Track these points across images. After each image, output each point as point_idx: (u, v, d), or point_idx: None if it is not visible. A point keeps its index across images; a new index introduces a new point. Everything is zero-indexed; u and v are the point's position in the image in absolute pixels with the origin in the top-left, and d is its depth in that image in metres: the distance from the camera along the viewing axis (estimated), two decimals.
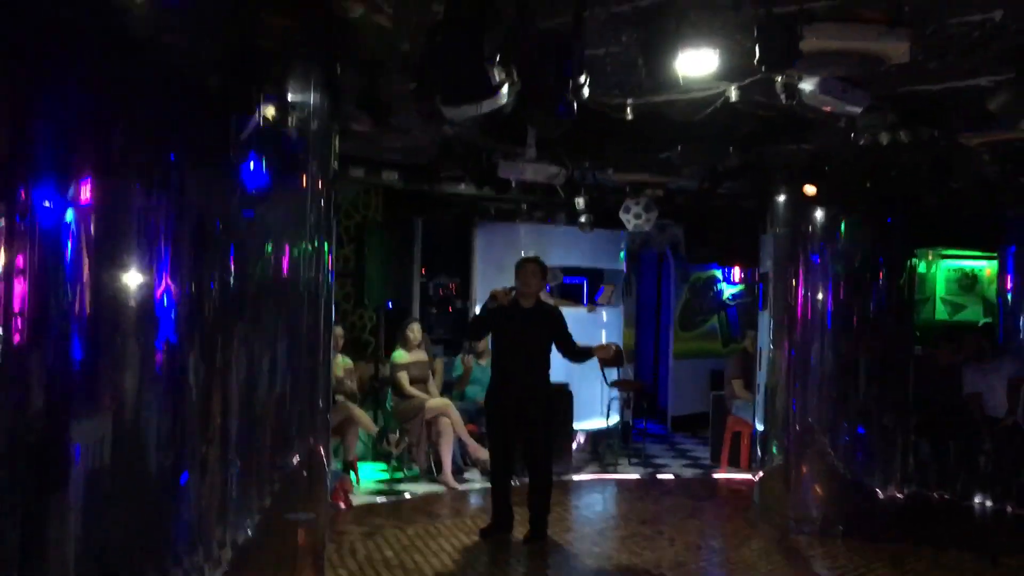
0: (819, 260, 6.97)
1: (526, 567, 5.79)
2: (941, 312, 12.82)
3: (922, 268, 12.48)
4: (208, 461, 3.00)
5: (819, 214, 6.96)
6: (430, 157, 6.70)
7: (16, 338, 2.71)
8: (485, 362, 8.52)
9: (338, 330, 7.84)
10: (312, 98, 3.42)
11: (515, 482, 6.65)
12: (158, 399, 2.89)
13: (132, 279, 2.84)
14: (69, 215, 2.78)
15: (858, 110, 3.96)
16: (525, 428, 6.27)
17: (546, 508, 6.44)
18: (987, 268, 12.32)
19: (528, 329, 6.28)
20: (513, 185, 6.70)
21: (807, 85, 3.74)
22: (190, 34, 3.02)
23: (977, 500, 7.71)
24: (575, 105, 3.37)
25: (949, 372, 8.05)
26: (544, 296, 9.32)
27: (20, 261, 2.72)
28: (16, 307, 2.71)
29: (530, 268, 6.40)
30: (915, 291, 8.01)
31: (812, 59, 3.29)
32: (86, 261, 2.79)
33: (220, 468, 3.04)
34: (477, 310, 9.08)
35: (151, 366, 2.88)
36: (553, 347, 6.36)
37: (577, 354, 6.48)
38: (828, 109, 3.87)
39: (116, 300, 2.82)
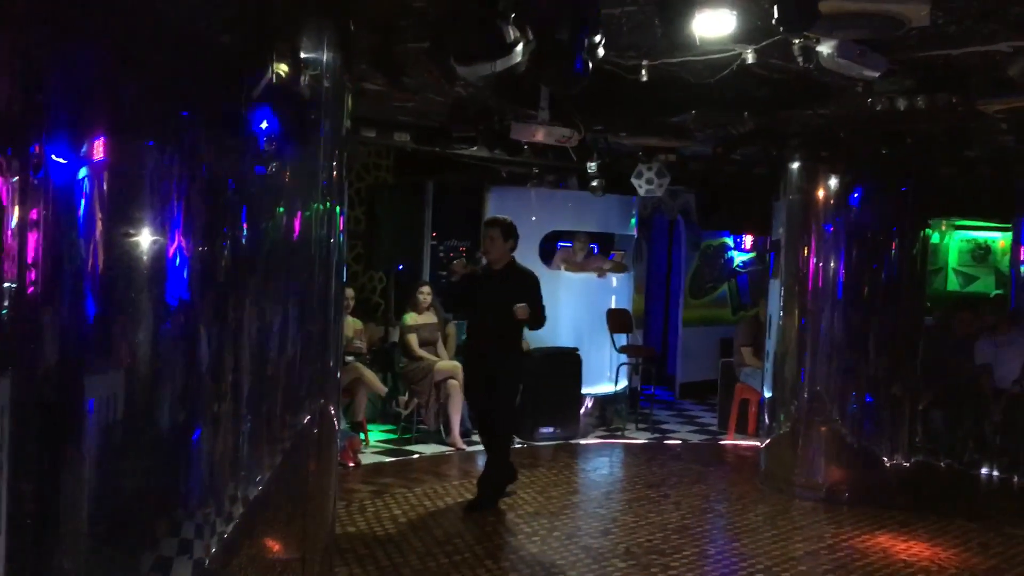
0: (832, 228, 6.93)
1: (531, 527, 5.84)
2: (953, 283, 12.78)
3: (935, 238, 12.41)
4: (220, 418, 3.02)
5: (833, 182, 6.92)
6: (442, 119, 6.66)
7: (30, 290, 2.73)
8: None
9: (348, 291, 7.86)
10: (325, 56, 3.39)
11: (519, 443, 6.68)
12: (170, 356, 2.90)
13: (145, 237, 2.84)
14: (82, 172, 2.78)
15: (876, 74, 3.91)
16: (493, 392, 6.16)
17: (492, 480, 6.28)
18: (1001, 239, 12.25)
19: (496, 294, 6.09)
20: (525, 148, 6.64)
21: (825, 48, 3.69)
22: None
23: (984, 470, 7.74)
24: (590, 65, 3.33)
25: (964, 342, 8.03)
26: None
27: (34, 214, 2.73)
28: (30, 258, 2.72)
29: (488, 233, 6.22)
30: (928, 261, 7.98)
31: (831, 21, 3.25)
32: (99, 218, 2.80)
33: (232, 425, 3.06)
34: None
35: (164, 323, 2.89)
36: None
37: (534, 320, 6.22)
38: (845, 73, 3.82)
39: (129, 257, 2.83)
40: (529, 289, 6.19)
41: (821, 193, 6.96)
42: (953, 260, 12.87)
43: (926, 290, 7.92)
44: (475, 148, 7.22)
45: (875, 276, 6.90)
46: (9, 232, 2.74)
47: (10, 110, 2.81)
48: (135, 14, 2.88)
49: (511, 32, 3.13)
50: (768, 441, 7.36)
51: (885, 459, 6.96)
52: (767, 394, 7.45)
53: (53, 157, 2.75)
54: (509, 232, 6.24)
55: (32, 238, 2.74)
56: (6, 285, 2.75)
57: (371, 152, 9.02)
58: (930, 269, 10.66)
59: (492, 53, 3.17)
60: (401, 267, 8.63)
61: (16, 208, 2.73)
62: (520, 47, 3.19)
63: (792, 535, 6.01)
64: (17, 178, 2.73)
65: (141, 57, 2.89)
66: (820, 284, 6.96)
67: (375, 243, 8.10)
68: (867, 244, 6.88)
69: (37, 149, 2.75)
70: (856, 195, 6.87)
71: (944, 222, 12.42)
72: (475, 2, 3.07)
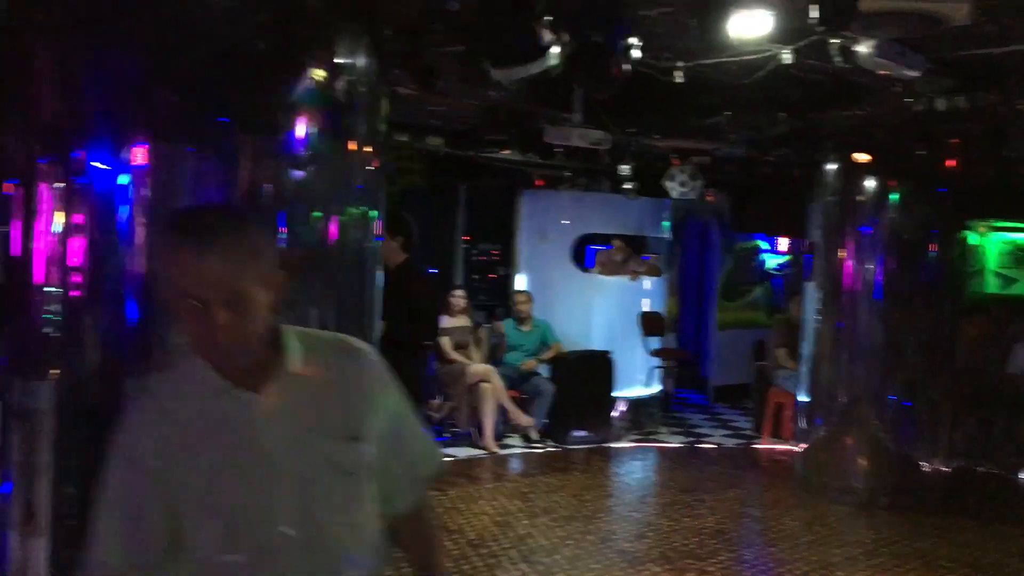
0: (869, 230, 6.85)
1: (565, 531, 5.83)
2: (992, 285, 12.55)
3: (973, 240, 12.22)
4: None
5: (870, 183, 6.84)
6: (475, 123, 6.68)
7: (73, 293, 2.77)
8: (527, 328, 8.54)
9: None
10: (360, 61, 3.41)
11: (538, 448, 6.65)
12: None
13: None
14: (123, 178, 2.82)
15: (916, 74, 3.87)
16: None
17: None
18: None
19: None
20: (558, 151, 6.64)
21: (863, 48, 3.65)
22: None
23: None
24: (625, 67, 3.32)
25: (981, 344, 7.94)
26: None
27: (77, 219, 2.77)
28: (73, 262, 2.77)
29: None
30: (967, 263, 7.87)
31: (870, 19, 3.21)
32: (140, 223, 2.83)
33: None
34: (519, 278, 9.09)
35: None
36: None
37: None
38: (884, 73, 3.78)
39: None
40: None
41: (858, 195, 6.88)
42: (992, 262, 12.66)
43: (965, 292, 7.80)
44: (507, 151, 7.23)
45: (913, 278, 6.81)
46: (53, 237, 2.79)
47: (52, 118, 2.86)
48: (172, 21, 2.91)
49: (546, 35, 3.12)
50: (804, 445, 7.29)
51: (924, 463, 6.86)
52: (803, 398, 7.38)
53: (94, 163, 2.80)
54: (395, 232, 5.37)
55: (76, 243, 2.78)
56: (50, 289, 2.80)
57: (404, 156, 9.05)
58: (969, 271, 10.51)
59: (527, 56, 3.17)
60: (434, 271, 8.65)
61: (60, 214, 2.78)
62: (555, 50, 3.18)
63: (829, 540, 5.94)
64: (61, 184, 2.78)
65: (179, 64, 2.93)
66: (857, 287, 6.88)
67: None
68: (905, 246, 6.79)
69: (79, 156, 2.79)
70: (894, 197, 6.79)
71: (983, 224, 12.22)
72: (510, 5, 3.07)
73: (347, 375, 1.68)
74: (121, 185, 2.81)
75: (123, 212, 2.81)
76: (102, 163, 2.80)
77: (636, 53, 3.32)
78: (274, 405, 1.59)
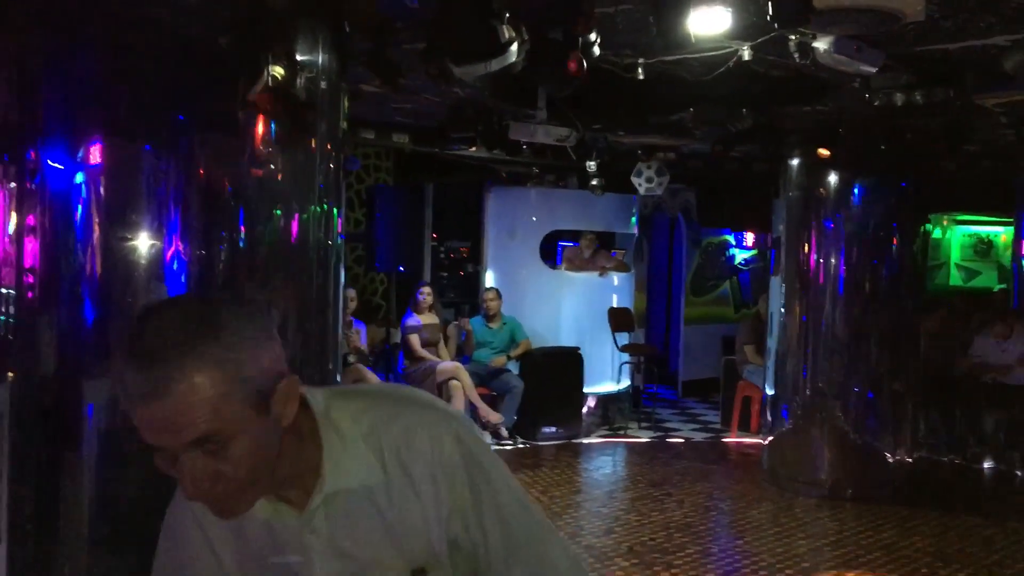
0: (832, 224, 6.92)
1: None
2: (956, 278, 12.76)
3: (937, 233, 12.39)
4: None
5: (833, 178, 6.91)
6: (440, 120, 6.67)
7: (28, 295, 2.74)
8: (495, 325, 8.55)
9: (350, 292, 7.86)
10: (320, 58, 3.39)
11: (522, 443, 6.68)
12: None
13: (142, 241, 2.85)
14: (79, 177, 2.79)
15: (872, 70, 3.91)
16: None
17: None
18: (1003, 234, 12.23)
19: None
20: (524, 147, 6.64)
21: (821, 44, 3.69)
22: None
23: (987, 465, 7.73)
24: (584, 64, 3.33)
25: (943, 337, 8.08)
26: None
27: (31, 220, 2.73)
28: (27, 263, 2.73)
29: None
30: (928, 257, 7.97)
31: (826, 16, 3.24)
32: (96, 223, 2.80)
33: None
34: (488, 275, 9.10)
35: None
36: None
37: None
38: (842, 69, 3.82)
39: (126, 262, 2.84)
40: None
41: (821, 189, 6.95)
42: (955, 255, 12.86)
43: (928, 285, 7.92)
44: (474, 148, 7.22)
45: (876, 272, 6.89)
46: (7, 238, 2.75)
47: (5, 116, 2.82)
48: (129, 19, 2.88)
49: (505, 32, 3.13)
50: (771, 438, 7.36)
51: (888, 455, 6.95)
52: (769, 391, 7.45)
53: (49, 163, 2.76)
54: None
55: (29, 244, 2.74)
56: (4, 291, 2.76)
57: (371, 154, 9.02)
58: (932, 264, 10.66)
59: (486, 53, 3.17)
60: (402, 268, 8.62)
61: (13, 214, 2.74)
62: (515, 47, 3.19)
63: (795, 532, 6.00)
64: (14, 184, 2.74)
65: (136, 61, 2.89)
66: (821, 281, 6.96)
67: (375, 245, 8.09)
68: (868, 240, 6.87)
69: (33, 155, 2.76)
70: (856, 191, 6.87)
71: (945, 217, 12.40)
72: (469, 2, 3.07)
73: (410, 483, 1.27)
74: (76, 184, 2.78)
75: (79, 212, 2.78)
76: (57, 162, 2.76)
77: (596, 50, 3.32)
78: (316, 533, 1.27)
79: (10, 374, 2.78)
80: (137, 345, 1.10)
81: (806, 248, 7.01)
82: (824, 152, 6.72)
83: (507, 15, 3.12)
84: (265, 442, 1.17)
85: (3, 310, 2.78)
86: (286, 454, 1.21)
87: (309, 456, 1.25)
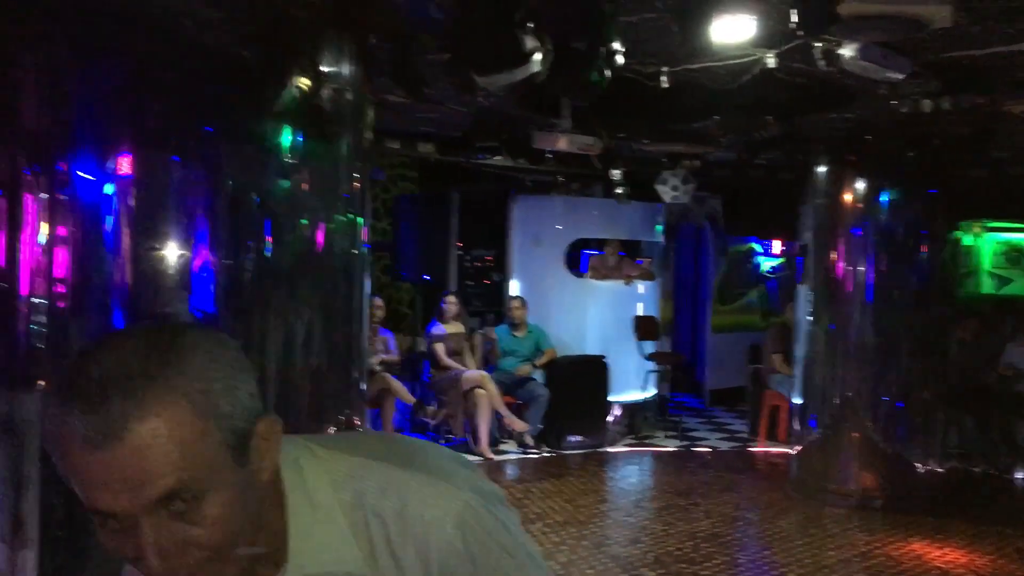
0: (860, 232, 6.86)
1: (560, 536, 5.83)
2: (987, 286, 12.57)
3: (967, 240, 12.24)
4: None
5: (860, 185, 6.85)
6: (465, 129, 6.69)
7: (59, 304, 2.78)
8: (521, 334, 8.55)
9: (377, 300, 7.90)
10: (345, 69, 3.43)
11: (537, 453, 6.66)
12: None
13: (170, 250, 2.89)
14: (109, 188, 2.83)
15: (899, 77, 3.88)
16: None
17: None
18: None
19: None
20: (548, 156, 6.66)
21: (847, 51, 3.67)
22: (224, 6, 3.04)
23: (1020, 475, 7.61)
24: (607, 74, 3.34)
25: (974, 346, 7.97)
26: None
27: (62, 230, 2.78)
28: (58, 273, 2.77)
29: None
30: (959, 264, 7.88)
31: (851, 23, 3.23)
32: (126, 233, 2.84)
33: None
34: (513, 283, 9.11)
35: None
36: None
37: None
38: (869, 76, 3.80)
39: (155, 271, 2.87)
40: None
41: (848, 197, 6.90)
42: (987, 263, 12.68)
43: (959, 293, 7.82)
44: (499, 157, 7.25)
45: (905, 280, 6.82)
46: (38, 248, 2.80)
47: (37, 128, 2.86)
48: (158, 32, 2.93)
49: (529, 41, 3.14)
50: (799, 448, 7.29)
51: (918, 464, 6.87)
52: (797, 400, 7.38)
53: (79, 173, 2.80)
54: None
55: (60, 254, 2.79)
56: (35, 300, 2.80)
57: (396, 163, 9.07)
58: (963, 272, 10.52)
59: (510, 63, 3.19)
60: (427, 277, 8.66)
61: (44, 224, 2.78)
62: (538, 56, 3.20)
63: (824, 543, 5.94)
64: (45, 195, 2.78)
65: (164, 74, 2.94)
66: (849, 289, 6.89)
67: (400, 254, 8.14)
68: (896, 248, 6.80)
69: (64, 166, 2.80)
70: (884, 198, 6.81)
71: (976, 224, 12.24)
72: (492, 12, 3.09)
73: (400, 574, 1.02)
74: (106, 195, 2.82)
75: (109, 222, 2.82)
76: (87, 173, 2.81)
77: (620, 59, 3.33)
78: None
79: (40, 382, 2.82)
80: (81, 380, 0.86)
81: (834, 256, 6.96)
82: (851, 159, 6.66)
83: (530, 25, 3.13)
84: (242, 499, 0.92)
85: (34, 319, 2.82)
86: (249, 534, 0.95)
87: (271, 525, 0.99)
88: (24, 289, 2.80)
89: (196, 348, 0.91)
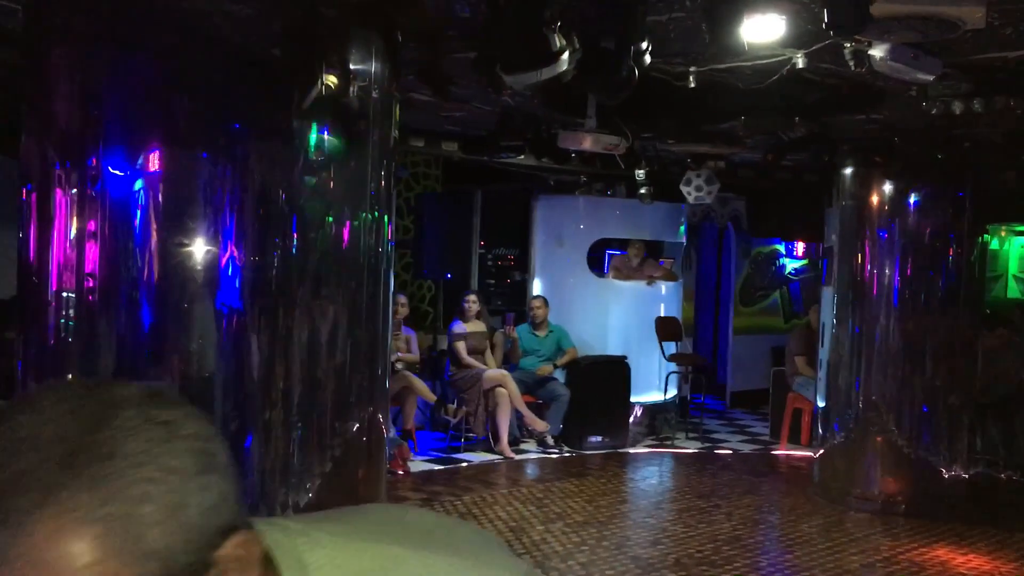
0: (886, 235, 6.80)
1: (580, 536, 5.81)
2: (1013, 290, 12.45)
3: (994, 244, 12.11)
4: (271, 425, 3.07)
5: (887, 187, 6.79)
6: (489, 128, 6.69)
7: (88, 298, 2.80)
8: (542, 333, 8.54)
9: (401, 298, 7.93)
10: (373, 67, 3.43)
11: (554, 451, 6.65)
12: (223, 363, 2.96)
13: (198, 246, 2.90)
14: (138, 184, 2.85)
15: (930, 78, 3.83)
16: None
17: None
18: None
19: None
20: (572, 156, 6.64)
21: (877, 52, 3.63)
22: (254, 4, 3.06)
23: None
24: (636, 73, 3.32)
25: (1003, 352, 7.88)
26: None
27: (91, 225, 2.80)
28: (88, 268, 2.80)
29: None
30: (986, 268, 7.79)
31: (883, 24, 3.19)
32: (154, 228, 2.86)
33: (282, 432, 3.10)
34: (535, 282, 9.10)
35: (216, 331, 2.95)
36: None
37: None
38: (899, 77, 3.76)
39: (183, 267, 2.89)
40: None
41: (875, 199, 6.84)
42: (1013, 267, 12.54)
43: (985, 297, 7.73)
44: (523, 157, 7.24)
45: (931, 283, 6.75)
46: (68, 243, 2.82)
47: (68, 124, 2.89)
48: (188, 30, 2.95)
49: (557, 40, 3.13)
50: (822, 451, 7.24)
51: (943, 470, 6.79)
52: (820, 403, 7.33)
53: (110, 169, 2.83)
54: None
55: (90, 249, 2.81)
56: (65, 295, 2.83)
57: (420, 161, 9.09)
58: (989, 276, 10.41)
59: (538, 62, 3.18)
60: (449, 276, 8.67)
61: (75, 219, 2.81)
62: (566, 55, 3.19)
63: (847, 547, 5.89)
64: (75, 190, 2.81)
65: (194, 72, 2.96)
66: (875, 292, 6.83)
67: (423, 252, 8.16)
68: (923, 251, 6.73)
69: (94, 162, 2.83)
70: (911, 201, 6.74)
71: (1004, 228, 12.11)
72: (520, 11, 3.08)
73: None
74: (136, 191, 2.84)
75: (138, 217, 2.84)
76: (117, 169, 2.83)
77: (647, 59, 3.31)
78: None
79: (69, 376, 2.84)
80: None
81: (859, 258, 6.90)
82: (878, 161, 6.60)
83: (558, 24, 3.12)
84: None
85: (64, 313, 2.85)
86: None
87: None
88: (54, 284, 2.83)
89: (135, 432, 0.61)
